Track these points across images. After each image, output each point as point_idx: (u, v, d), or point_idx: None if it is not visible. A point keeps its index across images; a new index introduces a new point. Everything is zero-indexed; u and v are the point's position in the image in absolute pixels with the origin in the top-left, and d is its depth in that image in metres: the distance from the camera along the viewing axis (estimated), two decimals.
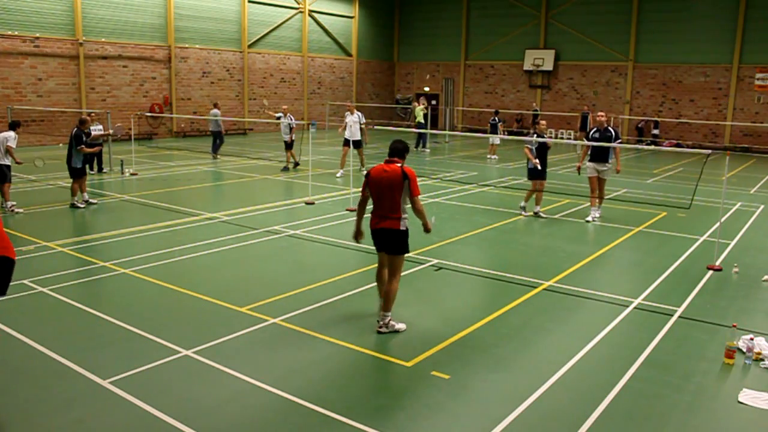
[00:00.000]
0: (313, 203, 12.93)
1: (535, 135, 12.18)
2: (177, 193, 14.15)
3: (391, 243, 6.40)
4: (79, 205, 12.23)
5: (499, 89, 34.64)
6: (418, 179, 6.39)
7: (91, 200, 12.60)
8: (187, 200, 13.25)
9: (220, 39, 28.12)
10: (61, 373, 5.39)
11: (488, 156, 22.47)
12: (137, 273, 8.15)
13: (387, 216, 6.35)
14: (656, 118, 29.44)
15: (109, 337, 6.14)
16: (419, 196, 6.36)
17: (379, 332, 6.39)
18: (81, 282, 7.83)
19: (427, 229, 6.57)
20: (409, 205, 6.43)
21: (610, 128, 12.00)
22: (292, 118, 18.33)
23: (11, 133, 12.28)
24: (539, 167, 12.15)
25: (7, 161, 12.02)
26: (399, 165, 6.38)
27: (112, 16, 24.17)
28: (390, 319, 6.45)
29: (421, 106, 25.06)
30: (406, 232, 6.40)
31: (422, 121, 24.88)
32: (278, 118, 18.47)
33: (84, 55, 23.34)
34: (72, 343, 6.00)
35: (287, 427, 4.70)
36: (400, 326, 6.51)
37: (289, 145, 17.93)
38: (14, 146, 12.10)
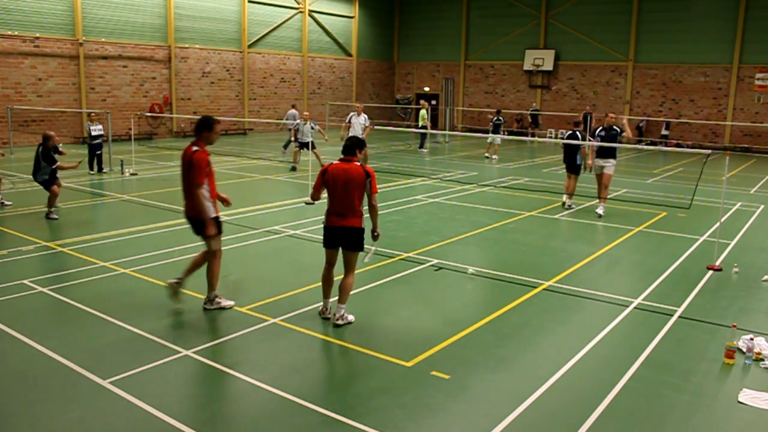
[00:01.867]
0: (313, 203, 12.92)
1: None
2: (177, 193, 14.07)
3: (351, 240, 6.49)
4: (54, 216, 11.09)
5: (499, 89, 34.65)
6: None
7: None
8: None
9: (220, 39, 28.12)
10: (61, 373, 5.39)
11: (486, 155, 22.45)
12: (137, 273, 8.15)
13: (348, 214, 6.42)
14: (667, 119, 29.38)
15: (109, 337, 6.14)
16: (376, 194, 6.51)
17: (336, 325, 6.49)
18: (81, 282, 7.82)
19: (376, 233, 6.62)
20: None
21: (615, 127, 12.64)
22: (316, 123, 18.36)
23: None
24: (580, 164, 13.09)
25: None
26: (358, 164, 6.45)
27: (112, 16, 24.18)
28: (344, 312, 6.58)
29: (424, 110, 25.05)
30: (364, 230, 6.56)
31: (424, 123, 24.95)
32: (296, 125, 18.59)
33: (84, 55, 23.34)
34: (72, 343, 5.99)
35: (287, 427, 4.70)
36: (351, 317, 6.66)
37: (305, 145, 17.69)
38: None
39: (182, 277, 6.85)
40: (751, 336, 6.14)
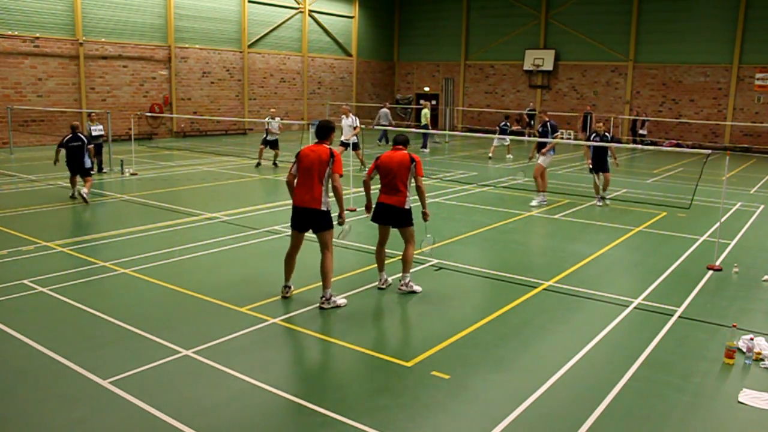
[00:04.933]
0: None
1: (595, 135, 13.60)
2: (177, 193, 14.15)
3: (316, 222, 6.93)
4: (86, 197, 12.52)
5: (499, 89, 34.64)
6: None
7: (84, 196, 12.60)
8: (187, 200, 13.25)
9: (220, 39, 28.11)
10: (61, 373, 5.39)
11: (508, 155, 22.52)
12: (137, 273, 8.15)
13: (310, 194, 6.92)
14: (644, 117, 29.23)
15: (109, 337, 6.14)
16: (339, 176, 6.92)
17: (321, 308, 6.89)
18: (81, 282, 7.82)
19: (341, 219, 7.11)
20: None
21: (547, 124, 13.71)
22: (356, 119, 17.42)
23: None
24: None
25: None
26: (328, 146, 7.00)
27: (112, 16, 24.17)
28: (332, 295, 6.96)
29: (426, 110, 25.01)
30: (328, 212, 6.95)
31: (426, 122, 24.94)
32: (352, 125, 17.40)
33: (84, 55, 23.34)
34: (72, 343, 6.00)
35: (287, 427, 4.71)
36: (342, 301, 7.03)
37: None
38: None
39: (326, 295, 6.96)
40: (751, 336, 6.14)
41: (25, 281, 7.68)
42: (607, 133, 13.55)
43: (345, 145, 16.87)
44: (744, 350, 6.03)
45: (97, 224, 11.18)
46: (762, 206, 14.13)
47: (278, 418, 4.83)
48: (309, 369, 5.83)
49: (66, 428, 4.59)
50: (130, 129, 21.59)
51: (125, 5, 24.44)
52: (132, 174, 16.30)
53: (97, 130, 16.48)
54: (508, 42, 33.77)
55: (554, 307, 7.32)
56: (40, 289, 7.45)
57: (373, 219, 7.65)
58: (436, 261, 8.96)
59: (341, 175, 6.95)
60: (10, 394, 5.05)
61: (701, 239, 10.75)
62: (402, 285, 7.57)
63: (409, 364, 5.68)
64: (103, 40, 23.93)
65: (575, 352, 6.02)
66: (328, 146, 7.01)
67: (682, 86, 29.55)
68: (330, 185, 6.95)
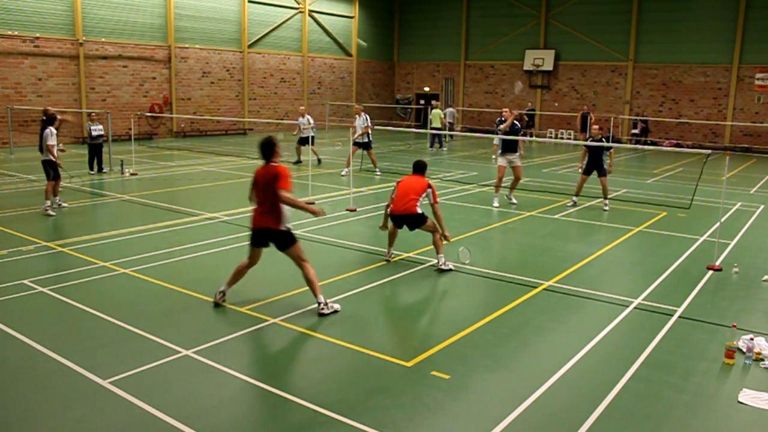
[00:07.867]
0: (312, 203, 12.89)
1: (591, 138, 13.23)
2: (177, 193, 14.15)
3: (276, 241, 6.84)
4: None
5: (499, 89, 34.64)
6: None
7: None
8: (187, 200, 13.25)
9: (220, 39, 28.12)
10: (61, 373, 5.39)
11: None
12: (137, 273, 8.14)
13: (268, 214, 6.80)
14: (632, 117, 29.01)
15: (109, 337, 6.14)
16: (287, 192, 6.64)
17: (321, 315, 6.76)
18: (81, 282, 7.82)
19: (317, 211, 6.96)
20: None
21: (517, 123, 13.42)
22: (368, 118, 17.36)
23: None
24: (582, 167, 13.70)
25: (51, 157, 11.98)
26: (275, 164, 6.79)
27: (112, 16, 24.18)
28: (327, 301, 6.88)
29: (438, 110, 25.12)
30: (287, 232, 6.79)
31: (438, 124, 25.00)
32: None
33: (84, 55, 23.34)
34: (72, 343, 6.00)
35: (287, 427, 4.70)
36: (336, 306, 6.97)
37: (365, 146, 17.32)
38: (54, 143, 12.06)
39: (321, 300, 6.84)
40: (751, 336, 6.14)
41: (25, 281, 7.68)
42: (603, 138, 13.11)
43: (357, 144, 16.89)
44: (744, 350, 6.03)
45: (97, 224, 11.17)
46: (762, 206, 14.13)
47: (277, 418, 4.83)
48: (309, 369, 5.83)
49: (66, 428, 4.59)
50: (130, 129, 21.59)
51: (125, 5, 24.44)
52: (132, 174, 16.30)
53: (97, 130, 16.49)
54: (508, 42, 33.77)
55: (554, 307, 7.32)
56: (40, 289, 7.45)
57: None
58: (436, 261, 8.95)
59: (288, 191, 6.71)
60: (10, 394, 5.05)
61: (701, 239, 10.74)
62: (441, 265, 8.41)
63: (409, 364, 5.68)
64: (103, 40, 23.93)
65: (575, 352, 6.02)
66: (275, 164, 6.83)
67: (682, 86, 29.55)
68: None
